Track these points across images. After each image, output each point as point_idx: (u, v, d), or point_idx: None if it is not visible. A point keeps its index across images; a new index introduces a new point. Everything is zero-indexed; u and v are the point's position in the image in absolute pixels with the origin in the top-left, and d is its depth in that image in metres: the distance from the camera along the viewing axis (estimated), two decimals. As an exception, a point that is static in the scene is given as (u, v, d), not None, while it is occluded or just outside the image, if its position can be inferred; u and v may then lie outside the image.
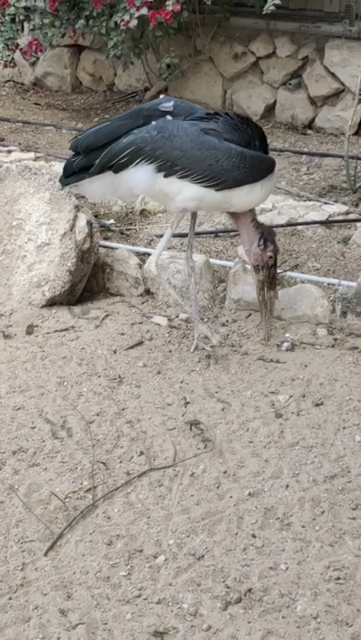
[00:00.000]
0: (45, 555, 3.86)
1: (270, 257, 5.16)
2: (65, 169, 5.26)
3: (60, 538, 3.94)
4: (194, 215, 5.32)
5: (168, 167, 4.98)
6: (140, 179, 5.04)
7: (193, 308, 5.36)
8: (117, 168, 5.01)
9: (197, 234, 6.34)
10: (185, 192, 5.04)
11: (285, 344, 5.29)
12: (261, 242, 5.17)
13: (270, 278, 5.22)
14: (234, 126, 5.02)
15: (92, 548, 3.88)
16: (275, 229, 5.54)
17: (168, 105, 5.09)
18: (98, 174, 5.08)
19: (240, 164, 4.97)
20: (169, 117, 5.05)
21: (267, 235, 5.18)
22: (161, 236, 6.44)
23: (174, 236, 6.39)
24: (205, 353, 5.29)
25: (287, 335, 5.36)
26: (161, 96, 5.38)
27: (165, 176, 4.99)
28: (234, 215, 5.26)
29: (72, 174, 5.21)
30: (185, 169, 4.98)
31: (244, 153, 4.98)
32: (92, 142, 5.08)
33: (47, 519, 4.04)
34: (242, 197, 5.08)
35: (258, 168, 5.02)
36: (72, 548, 3.88)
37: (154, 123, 5.02)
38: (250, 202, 5.15)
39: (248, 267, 5.50)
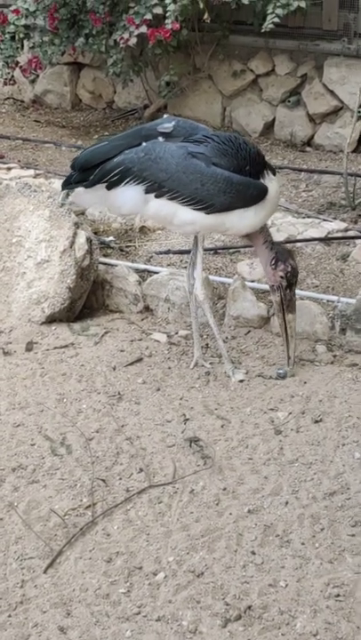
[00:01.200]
0: (45, 572, 3.86)
1: (281, 277, 5.10)
2: (64, 182, 5.31)
3: (59, 555, 3.94)
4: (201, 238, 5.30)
5: (157, 188, 5.01)
6: (130, 199, 5.08)
7: (194, 326, 5.37)
8: (109, 186, 5.06)
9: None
10: (179, 215, 5.06)
11: (280, 372, 5.22)
12: (273, 262, 5.13)
13: (287, 300, 5.15)
14: (223, 151, 4.98)
15: (91, 566, 3.87)
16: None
17: (168, 126, 5.07)
18: (91, 188, 5.11)
19: (226, 189, 4.95)
20: (160, 139, 5.06)
21: (279, 255, 5.12)
22: (160, 253, 6.47)
23: (174, 252, 6.44)
24: (205, 370, 5.30)
25: (286, 366, 5.26)
26: (165, 115, 5.40)
27: (156, 197, 5.02)
28: (247, 237, 5.25)
29: (71, 185, 5.26)
30: (172, 191, 5.00)
31: (231, 178, 4.94)
32: (88, 160, 5.11)
33: (47, 536, 4.04)
34: (234, 222, 5.06)
35: (245, 194, 4.98)
36: (71, 566, 3.88)
37: (144, 144, 5.04)
38: (244, 227, 5.11)
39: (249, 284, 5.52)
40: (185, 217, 5.05)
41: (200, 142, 5.00)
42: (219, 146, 4.99)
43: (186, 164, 4.96)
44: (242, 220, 5.05)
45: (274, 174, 5.16)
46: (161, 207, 5.06)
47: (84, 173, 5.10)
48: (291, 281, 5.13)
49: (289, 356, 5.21)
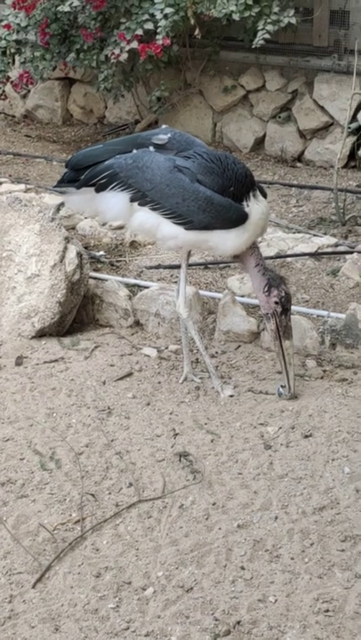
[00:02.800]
0: (33, 587, 3.84)
1: (276, 302, 5.01)
2: (58, 181, 5.35)
3: (48, 570, 3.92)
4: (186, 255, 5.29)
5: (140, 197, 5.03)
6: (115, 204, 5.13)
7: (184, 341, 5.37)
8: (98, 188, 5.10)
9: (187, 265, 6.36)
10: (162, 229, 5.07)
11: (282, 391, 5.15)
12: (266, 288, 5.05)
13: (283, 326, 5.06)
14: (209, 169, 4.96)
15: (80, 580, 3.86)
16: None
17: (163, 137, 5.09)
18: (81, 188, 5.16)
19: (206, 208, 4.94)
20: (151, 149, 5.08)
21: (272, 281, 5.05)
22: (151, 267, 6.48)
23: (164, 267, 6.44)
24: (194, 384, 5.30)
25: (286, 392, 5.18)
26: (163, 126, 5.40)
27: (139, 205, 5.05)
28: (238, 259, 5.21)
29: (63, 183, 5.29)
30: (154, 202, 5.02)
31: (212, 198, 4.93)
32: (81, 161, 5.18)
33: (35, 551, 4.03)
34: (217, 242, 5.05)
35: (224, 216, 4.95)
36: (60, 580, 3.87)
37: (134, 151, 5.07)
38: (227, 248, 5.08)
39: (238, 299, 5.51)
40: (167, 231, 5.06)
41: (189, 157, 5.00)
42: (206, 163, 4.98)
43: (170, 177, 4.97)
44: (224, 241, 5.03)
45: (264, 197, 5.13)
46: (145, 219, 5.08)
47: (77, 173, 5.16)
48: (285, 306, 5.04)
49: (289, 384, 5.10)
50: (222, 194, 4.95)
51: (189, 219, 4.98)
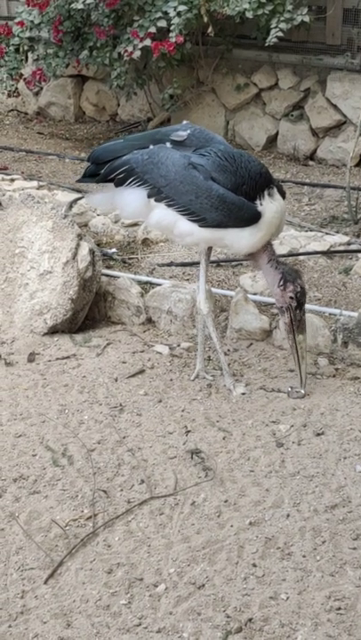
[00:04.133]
0: (45, 583, 3.85)
1: (291, 297, 5.02)
2: (82, 174, 5.37)
3: (60, 566, 3.93)
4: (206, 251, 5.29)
5: (156, 193, 5.03)
6: (133, 200, 5.13)
7: (200, 338, 5.37)
8: (116, 183, 5.11)
9: (199, 263, 6.35)
10: (178, 225, 5.06)
11: (296, 392, 5.15)
12: (281, 282, 5.05)
13: (297, 320, 5.07)
14: (222, 167, 4.94)
15: (92, 577, 3.87)
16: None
17: (182, 134, 5.08)
18: (101, 183, 5.19)
19: (219, 206, 4.93)
20: (168, 145, 5.08)
21: (287, 275, 5.05)
22: (163, 265, 6.48)
23: (177, 265, 6.44)
24: (206, 382, 5.30)
25: (299, 388, 5.18)
26: (184, 122, 5.39)
27: (156, 201, 5.05)
28: (250, 256, 5.19)
29: (86, 177, 5.31)
30: (169, 198, 5.02)
31: (225, 196, 4.92)
32: (101, 156, 5.19)
33: (47, 547, 4.03)
34: (232, 240, 5.04)
35: (237, 215, 4.94)
36: (72, 576, 3.87)
37: (150, 147, 5.08)
38: (242, 246, 5.07)
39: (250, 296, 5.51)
40: (183, 227, 5.06)
41: (204, 155, 5.00)
42: (220, 161, 4.96)
43: (184, 174, 4.97)
44: (239, 239, 5.01)
45: (282, 195, 5.09)
46: (163, 216, 5.08)
47: (97, 167, 5.17)
48: (300, 300, 5.05)
49: (301, 378, 5.12)
50: (235, 192, 4.93)
51: (203, 216, 4.98)
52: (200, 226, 5.01)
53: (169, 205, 5.04)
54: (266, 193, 5.00)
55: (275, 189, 5.05)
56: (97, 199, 5.50)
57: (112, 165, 5.11)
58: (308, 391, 5.12)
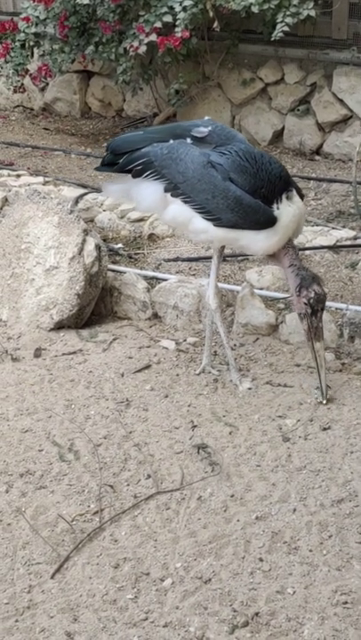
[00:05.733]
0: (52, 577, 3.86)
1: (305, 304, 4.94)
2: (100, 163, 5.33)
3: (66, 560, 3.94)
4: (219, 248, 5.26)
5: (173, 188, 5.00)
6: (150, 194, 5.09)
7: (208, 333, 5.36)
8: (134, 174, 5.08)
9: (205, 258, 6.37)
10: (194, 222, 5.03)
11: (315, 398, 5.05)
12: (298, 288, 4.98)
13: (314, 327, 4.98)
14: (242, 168, 4.89)
15: (98, 571, 3.87)
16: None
17: (203, 130, 5.02)
18: (119, 173, 5.16)
19: (234, 208, 4.88)
20: (188, 140, 5.04)
21: (303, 281, 4.97)
22: (169, 260, 6.48)
23: (183, 260, 6.44)
24: (213, 377, 5.30)
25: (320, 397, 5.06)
26: (206, 117, 5.37)
27: (172, 196, 5.02)
28: (273, 258, 5.13)
29: (104, 166, 5.28)
30: (186, 195, 4.98)
31: (241, 198, 4.87)
32: (120, 146, 5.16)
33: (54, 542, 4.04)
34: (248, 242, 5.00)
35: (252, 218, 4.89)
36: (79, 571, 3.88)
37: (170, 142, 5.04)
38: (258, 249, 5.03)
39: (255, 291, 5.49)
40: (199, 225, 5.02)
41: (224, 154, 4.93)
42: (240, 161, 4.90)
43: (202, 173, 4.94)
44: (255, 242, 4.97)
45: (301, 197, 5.05)
46: (179, 212, 5.04)
47: (115, 157, 5.14)
48: (315, 307, 4.96)
49: (322, 387, 5.02)
50: (253, 194, 4.88)
51: (218, 216, 4.93)
52: (215, 225, 4.97)
53: (185, 202, 5.00)
54: (284, 196, 4.93)
55: (293, 192, 4.99)
56: (113, 189, 5.46)
57: (131, 156, 5.08)
58: (315, 386, 5.10)
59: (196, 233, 5.12)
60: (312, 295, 4.95)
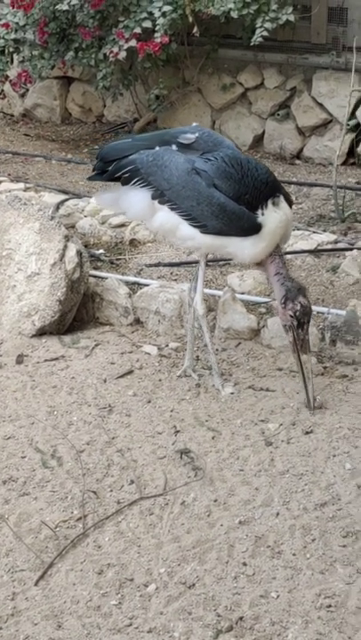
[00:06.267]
0: (36, 584, 3.85)
1: (291, 316, 4.89)
2: (92, 169, 5.36)
3: (50, 567, 3.93)
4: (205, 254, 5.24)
5: (159, 195, 5.01)
6: (138, 202, 5.10)
7: (190, 337, 5.36)
8: (123, 182, 5.09)
9: (186, 263, 6.38)
10: (181, 229, 5.03)
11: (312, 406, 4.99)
12: (283, 300, 4.93)
13: (300, 340, 4.92)
14: (228, 174, 4.87)
15: (82, 577, 3.87)
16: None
17: (190, 137, 5.02)
18: (108, 181, 5.21)
19: (219, 214, 4.87)
20: (174, 147, 5.04)
21: (289, 293, 4.92)
22: (151, 265, 6.48)
23: (164, 265, 6.44)
24: (195, 382, 5.30)
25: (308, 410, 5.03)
26: (194, 124, 5.37)
27: (159, 203, 5.02)
28: (260, 266, 5.12)
29: (95, 175, 5.29)
30: (172, 202, 4.99)
31: (225, 205, 4.86)
32: (108, 154, 5.18)
33: (37, 548, 4.03)
34: (235, 249, 4.98)
35: (237, 225, 4.87)
36: (63, 578, 3.87)
37: (156, 148, 5.05)
38: (244, 256, 5.00)
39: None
40: (186, 232, 5.01)
41: (209, 160, 4.92)
42: (225, 168, 4.89)
43: (186, 180, 4.93)
44: (242, 249, 4.94)
45: (290, 203, 5.02)
46: (166, 219, 5.04)
47: (104, 164, 5.16)
48: (301, 320, 4.90)
49: (308, 399, 4.97)
50: (237, 201, 4.86)
51: (203, 223, 4.92)
52: (202, 232, 4.97)
53: (172, 209, 5.00)
54: (270, 202, 4.91)
55: (281, 198, 4.96)
56: (105, 198, 5.48)
57: (118, 164, 5.08)
58: (297, 390, 5.11)
59: (183, 240, 5.12)
60: (298, 308, 4.89)
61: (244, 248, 4.95)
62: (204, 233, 4.96)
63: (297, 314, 4.89)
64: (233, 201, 4.88)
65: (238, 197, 4.88)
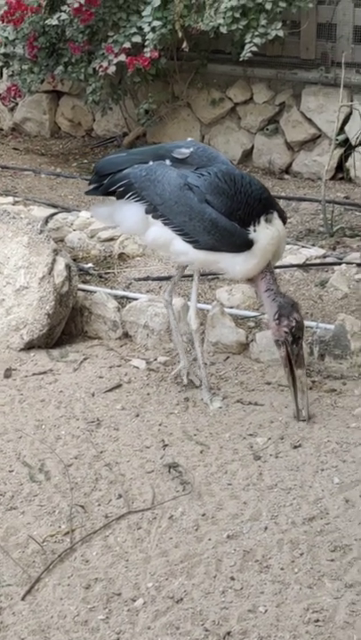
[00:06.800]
0: (23, 599, 3.83)
1: (286, 332, 4.90)
2: (88, 184, 5.40)
3: (37, 582, 3.91)
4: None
5: (153, 210, 5.01)
6: (132, 215, 5.11)
7: (178, 344, 5.36)
8: (118, 196, 5.11)
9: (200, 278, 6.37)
10: (174, 244, 5.03)
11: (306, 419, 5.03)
12: (276, 316, 4.93)
13: (295, 355, 4.94)
14: (220, 190, 4.87)
15: (70, 592, 3.85)
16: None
17: (185, 151, 5.02)
18: (103, 195, 5.23)
19: (211, 230, 4.87)
20: (167, 162, 5.04)
21: (283, 309, 4.93)
22: (139, 279, 6.48)
23: (153, 279, 6.45)
24: (183, 396, 5.30)
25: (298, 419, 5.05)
26: (188, 138, 5.37)
27: (153, 217, 5.03)
28: (250, 282, 5.14)
29: (91, 189, 5.32)
30: (165, 217, 4.99)
31: (217, 221, 4.86)
32: (104, 168, 5.20)
33: (25, 563, 4.01)
34: (227, 265, 4.98)
35: (228, 240, 4.87)
36: (50, 592, 3.86)
37: (150, 163, 5.05)
38: (237, 272, 5.00)
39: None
40: (179, 247, 5.02)
41: (202, 175, 4.91)
42: (218, 183, 4.88)
43: (179, 195, 4.93)
44: (233, 265, 4.94)
45: (283, 219, 5.01)
46: (160, 234, 5.04)
47: (100, 179, 5.18)
48: (296, 335, 4.92)
49: (299, 408, 4.99)
50: (229, 217, 4.85)
51: (196, 238, 4.92)
52: (194, 247, 4.97)
53: (165, 224, 5.01)
54: (263, 219, 4.90)
55: (274, 214, 4.95)
56: (101, 212, 5.50)
57: (113, 178, 5.10)
58: (286, 404, 5.11)
59: (176, 255, 5.13)
60: (294, 324, 4.91)
61: (235, 264, 4.95)
62: (197, 248, 4.97)
63: (293, 330, 4.91)
64: (225, 217, 4.87)
65: (230, 213, 4.87)
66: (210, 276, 6.47)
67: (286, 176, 9.22)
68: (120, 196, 5.10)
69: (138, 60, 8.50)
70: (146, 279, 6.52)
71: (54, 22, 8.71)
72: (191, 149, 5.07)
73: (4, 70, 9.71)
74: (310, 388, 5.32)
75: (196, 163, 5.01)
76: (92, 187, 5.29)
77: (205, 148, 5.18)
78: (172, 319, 5.39)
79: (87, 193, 5.49)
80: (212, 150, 5.23)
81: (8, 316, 5.92)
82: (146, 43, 8.47)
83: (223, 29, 8.31)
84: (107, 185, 5.13)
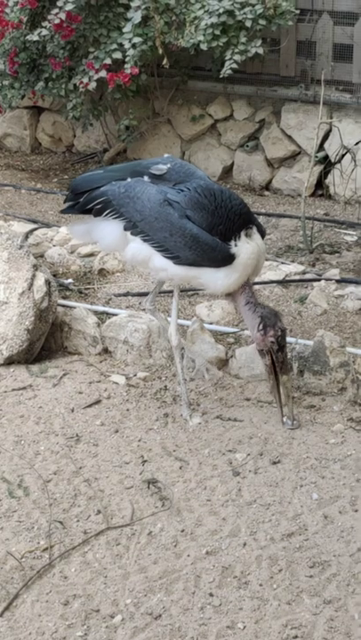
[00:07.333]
0: (1, 615, 3.82)
1: (272, 342, 4.95)
2: (64, 201, 5.38)
3: (15, 598, 3.90)
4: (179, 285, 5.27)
5: (132, 227, 5.01)
6: (110, 233, 5.12)
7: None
8: (94, 213, 5.10)
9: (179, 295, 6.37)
10: (153, 260, 5.04)
11: (287, 421, 5.11)
12: (261, 327, 4.96)
13: (280, 362, 5.01)
14: (201, 205, 4.88)
15: (48, 609, 3.84)
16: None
17: (162, 167, 5.04)
18: (80, 213, 5.21)
19: (192, 245, 4.87)
20: (146, 178, 5.05)
21: (267, 319, 4.97)
22: (119, 295, 6.49)
23: (133, 295, 6.45)
24: (163, 411, 5.30)
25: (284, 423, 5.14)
26: (165, 155, 5.38)
27: (132, 234, 5.03)
28: (228, 297, 5.15)
29: (67, 207, 5.30)
30: (144, 233, 4.99)
31: (198, 236, 4.86)
32: (80, 185, 5.20)
33: (3, 579, 4.00)
34: (207, 280, 4.99)
35: (210, 256, 4.88)
36: (28, 609, 3.85)
37: (128, 180, 5.06)
38: (217, 287, 5.01)
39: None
40: (159, 263, 5.02)
41: (182, 190, 4.92)
42: (198, 198, 4.89)
43: (159, 211, 4.93)
44: (215, 280, 4.95)
45: (262, 234, 5.03)
46: (139, 250, 5.05)
47: (76, 196, 5.17)
48: (282, 343, 4.98)
49: (283, 414, 5.06)
50: (210, 232, 4.87)
51: (176, 254, 4.93)
52: (175, 263, 4.97)
53: (145, 240, 5.01)
54: (243, 233, 4.93)
55: (253, 229, 4.98)
56: (77, 230, 5.49)
57: (90, 196, 5.09)
58: (265, 420, 5.13)
59: (156, 271, 5.13)
60: (279, 333, 4.96)
61: (217, 279, 4.96)
62: (177, 264, 4.97)
63: (279, 339, 4.97)
64: (206, 232, 4.88)
65: (211, 228, 4.88)
66: (190, 292, 6.48)
67: (266, 192, 9.25)
68: (97, 214, 5.09)
69: (118, 77, 8.51)
70: (126, 295, 6.53)
71: (35, 38, 8.70)
72: (168, 165, 5.08)
73: (-15, 86, 9.69)
74: (290, 404, 5.34)
75: (173, 179, 5.03)
76: (67, 205, 5.28)
77: (183, 164, 5.19)
78: (162, 322, 5.38)
79: (62, 212, 5.42)
80: (190, 166, 5.24)
81: (-13, 332, 5.90)
82: (126, 59, 8.48)
83: (203, 46, 8.33)
84: (83, 202, 5.13)
